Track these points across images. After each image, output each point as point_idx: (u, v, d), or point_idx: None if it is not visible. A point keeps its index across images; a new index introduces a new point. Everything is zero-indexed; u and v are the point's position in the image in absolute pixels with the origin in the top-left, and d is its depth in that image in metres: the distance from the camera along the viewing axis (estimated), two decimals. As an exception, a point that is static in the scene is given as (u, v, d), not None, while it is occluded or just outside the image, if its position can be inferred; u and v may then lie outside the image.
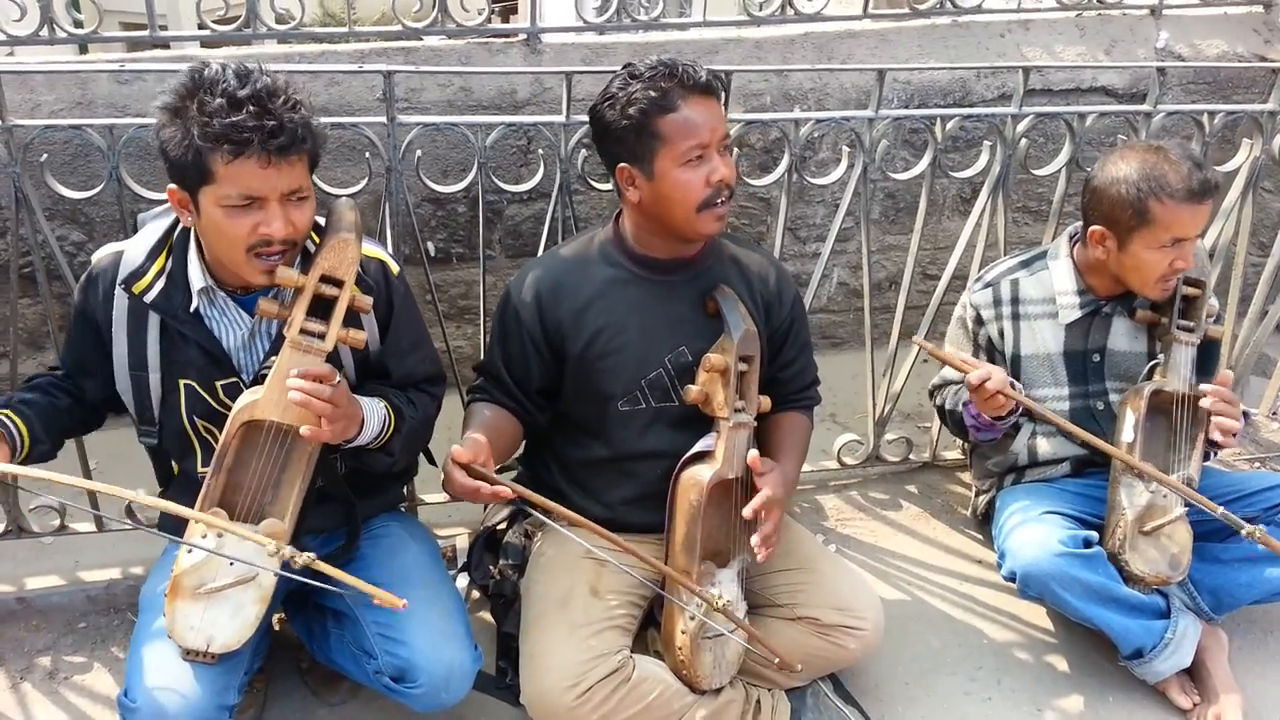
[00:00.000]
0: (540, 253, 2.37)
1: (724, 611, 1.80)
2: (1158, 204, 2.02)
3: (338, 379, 1.62)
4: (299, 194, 1.60)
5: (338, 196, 2.22)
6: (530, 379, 1.99)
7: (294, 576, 1.48)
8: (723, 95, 1.88)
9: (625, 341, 1.94)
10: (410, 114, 2.48)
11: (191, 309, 1.71)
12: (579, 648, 1.82)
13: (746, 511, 1.84)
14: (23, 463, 1.70)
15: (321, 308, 1.65)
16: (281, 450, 1.68)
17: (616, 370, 1.95)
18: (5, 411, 1.70)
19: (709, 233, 1.87)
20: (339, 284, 1.65)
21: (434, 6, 2.67)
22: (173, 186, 1.61)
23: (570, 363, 1.96)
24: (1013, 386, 2.02)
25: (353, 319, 1.73)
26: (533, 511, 1.76)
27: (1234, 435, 2.09)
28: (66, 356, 1.86)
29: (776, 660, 1.86)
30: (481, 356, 2.30)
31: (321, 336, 1.63)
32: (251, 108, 1.51)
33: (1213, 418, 2.07)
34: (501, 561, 2.12)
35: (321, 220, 1.74)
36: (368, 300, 1.70)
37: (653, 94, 1.79)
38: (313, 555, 1.44)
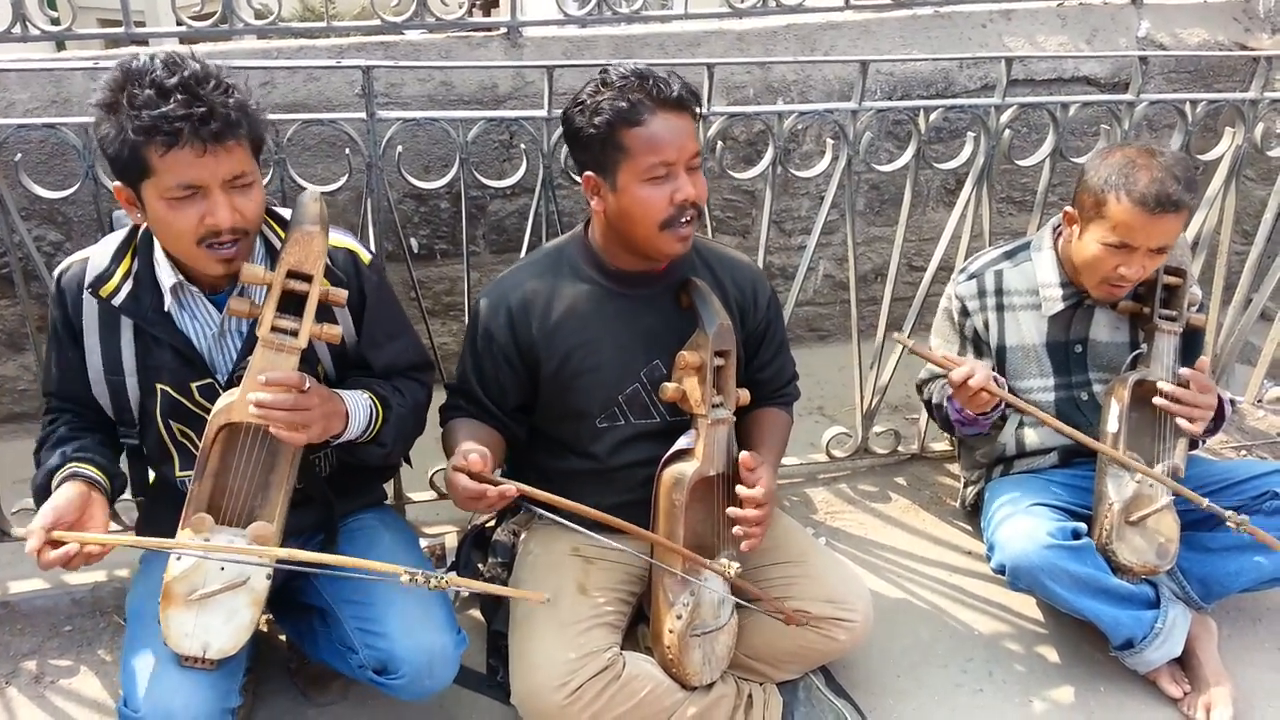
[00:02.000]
0: (525, 248, 2.36)
1: (737, 581, 1.79)
2: (1115, 200, 2.02)
3: (308, 383, 1.59)
4: (241, 180, 1.55)
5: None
6: (506, 397, 1.96)
7: (288, 568, 1.47)
8: (696, 110, 1.80)
9: (600, 360, 1.91)
10: (390, 109, 2.46)
11: (166, 308, 1.68)
12: (568, 646, 1.80)
13: (736, 512, 1.83)
14: (112, 500, 1.70)
15: (293, 304, 1.61)
16: (265, 451, 1.66)
17: (592, 389, 1.93)
18: (76, 465, 1.66)
19: (671, 253, 1.82)
20: (308, 278, 1.61)
21: (414, 0, 2.65)
22: (118, 184, 1.58)
23: (544, 381, 1.94)
24: (996, 382, 2.01)
25: (326, 313, 1.70)
26: (532, 508, 1.74)
27: (1209, 433, 2.11)
28: (60, 384, 1.78)
29: (784, 616, 1.85)
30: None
31: (294, 334, 1.60)
32: (180, 96, 1.47)
33: (1174, 417, 2.08)
34: (490, 560, 2.11)
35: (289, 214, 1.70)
36: (342, 294, 1.66)
37: (621, 105, 1.73)
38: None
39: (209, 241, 1.55)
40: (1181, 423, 2.08)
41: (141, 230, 1.69)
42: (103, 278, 1.67)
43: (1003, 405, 2.04)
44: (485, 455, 1.65)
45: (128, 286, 1.67)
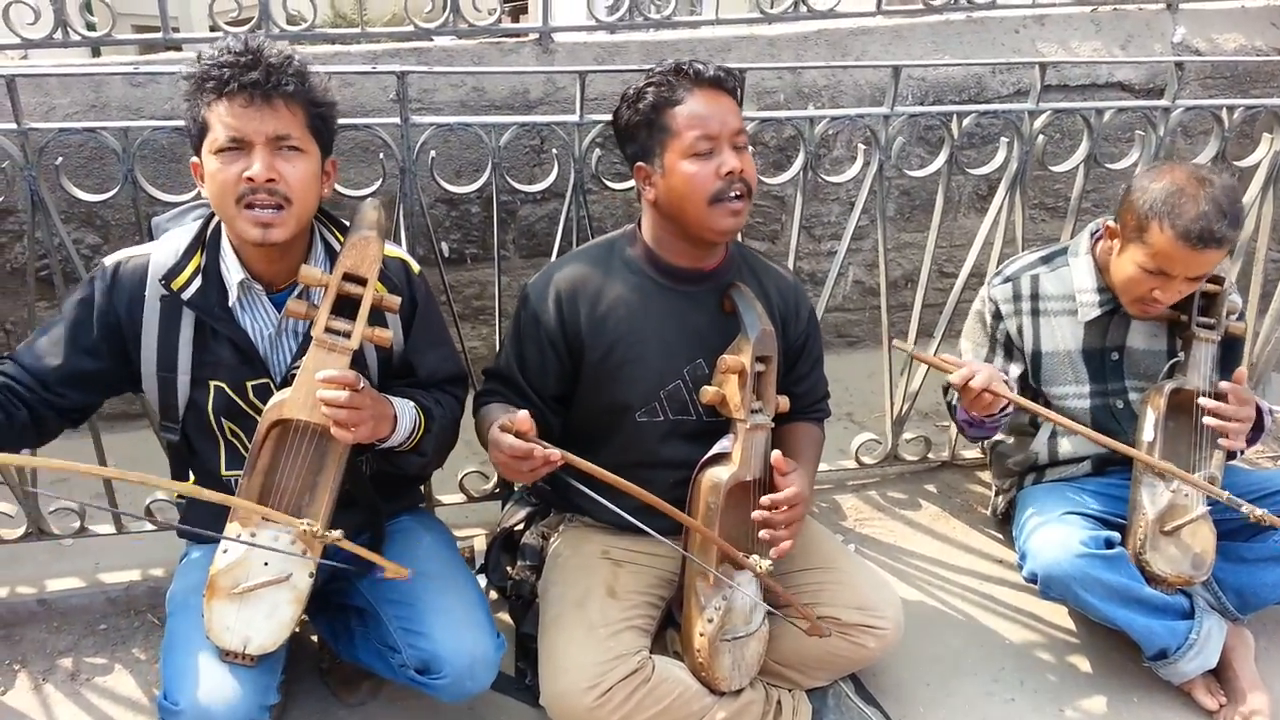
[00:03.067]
0: (555, 253, 2.37)
1: (768, 578, 1.79)
2: (1156, 227, 1.99)
3: (363, 383, 1.61)
4: (287, 142, 1.60)
5: (357, 199, 2.23)
6: (548, 384, 1.97)
7: (329, 564, 1.52)
8: (737, 91, 1.87)
9: (644, 352, 1.92)
10: (423, 114, 2.47)
11: (230, 304, 1.71)
12: (597, 649, 1.81)
13: (767, 500, 1.82)
14: None
15: (348, 307, 1.65)
16: (313, 451, 1.68)
17: (635, 381, 1.93)
18: None
19: (724, 228, 1.83)
20: (362, 282, 1.65)
21: (445, 7, 2.67)
22: (194, 159, 1.65)
23: (587, 370, 1.95)
24: (1008, 384, 2.00)
25: (379, 318, 1.73)
26: (573, 481, 1.73)
27: (1250, 443, 2.08)
28: (43, 353, 1.72)
29: (808, 625, 1.85)
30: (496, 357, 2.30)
31: (347, 335, 1.63)
32: (238, 53, 1.57)
33: (1213, 429, 2.06)
34: (519, 563, 2.11)
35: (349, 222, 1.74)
36: (396, 300, 1.69)
37: (661, 88, 1.81)
38: (340, 533, 1.50)
39: (247, 200, 1.59)
40: (1220, 439, 2.06)
41: (210, 228, 1.73)
42: (174, 271, 1.70)
43: (1008, 407, 2.01)
44: (529, 419, 1.64)
45: (197, 282, 1.71)
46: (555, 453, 1.62)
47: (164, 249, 1.73)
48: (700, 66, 1.81)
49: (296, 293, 1.70)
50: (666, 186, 1.83)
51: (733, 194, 1.80)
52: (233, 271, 1.70)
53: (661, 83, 1.82)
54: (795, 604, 1.87)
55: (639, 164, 1.87)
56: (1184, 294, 2.07)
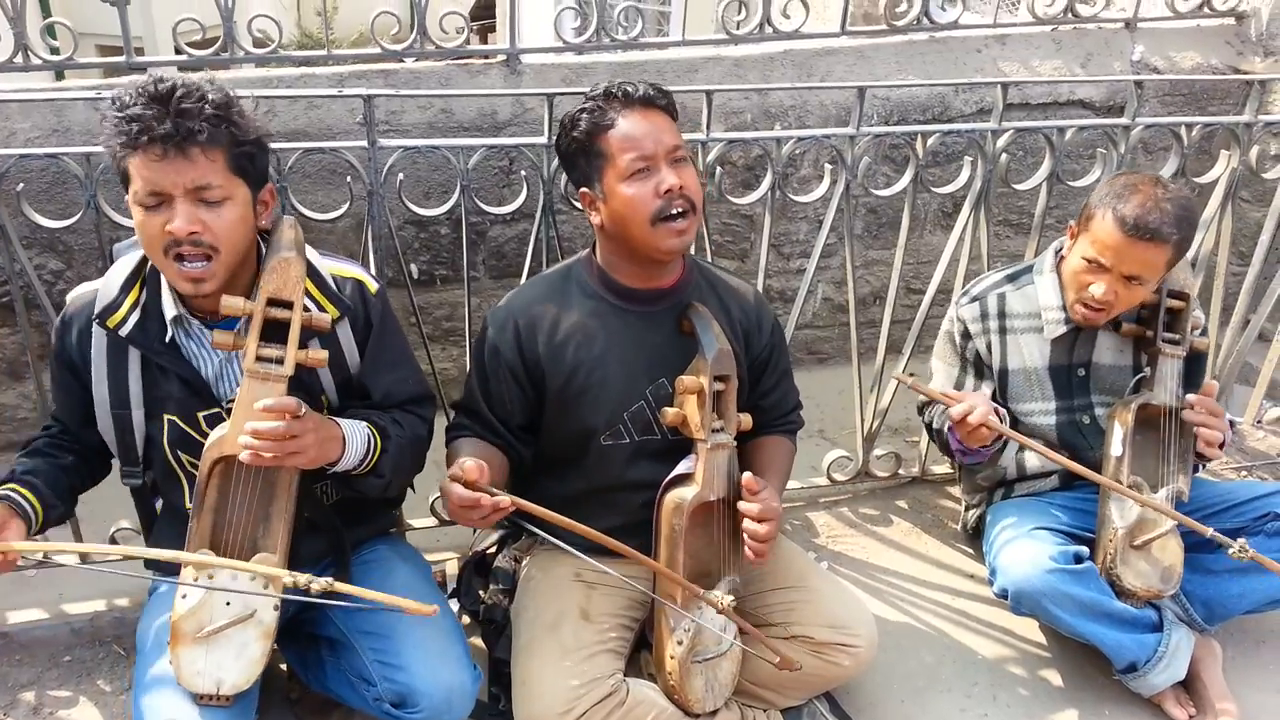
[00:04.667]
0: (525, 274, 2.36)
1: (726, 611, 1.79)
2: (1101, 217, 2.03)
3: (304, 409, 1.58)
4: (207, 192, 1.54)
5: (326, 222, 2.21)
6: (513, 414, 1.96)
7: (298, 599, 1.47)
8: (671, 108, 1.85)
9: (604, 376, 1.92)
10: (391, 136, 2.47)
11: (167, 339, 1.69)
12: (571, 672, 1.80)
13: (747, 506, 1.82)
14: (40, 529, 1.70)
15: (279, 332, 1.61)
16: (262, 482, 1.65)
17: (597, 405, 1.93)
18: (12, 486, 1.68)
19: (668, 247, 1.81)
20: (288, 305, 1.61)
21: (413, 27, 2.66)
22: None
23: (550, 397, 1.94)
24: (998, 414, 2.01)
25: (316, 337, 1.69)
26: (527, 526, 1.73)
27: (1220, 446, 2.10)
28: (58, 408, 1.83)
29: (778, 660, 1.84)
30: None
31: (280, 361, 1.60)
32: (149, 102, 1.50)
33: (1197, 430, 2.08)
34: (491, 586, 2.10)
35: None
36: (326, 318, 1.66)
37: (593, 114, 1.80)
38: (329, 580, 1.44)
39: (174, 252, 1.55)
40: (1201, 446, 2.09)
41: (151, 262, 1.70)
42: (110, 308, 1.67)
43: (1002, 435, 2.03)
44: (482, 466, 1.64)
45: (135, 316, 1.68)
46: (505, 499, 1.62)
47: (109, 282, 1.70)
48: (630, 88, 1.80)
49: (235, 327, 1.64)
50: (609, 210, 1.83)
51: (674, 211, 1.79)
52: (168, 308, 1.68)
53: (593, 108, 1.81)
54: (763, 640, 1.87)
55: (583, 189, 1.87)
56: (1120, 300, 2.07)
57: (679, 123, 1.87)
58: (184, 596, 1.59)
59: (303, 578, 1.43)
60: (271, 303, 1.60)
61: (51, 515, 1.73)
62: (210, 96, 1.54)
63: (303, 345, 1.62)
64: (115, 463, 1.84)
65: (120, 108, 1.51)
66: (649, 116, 1.80)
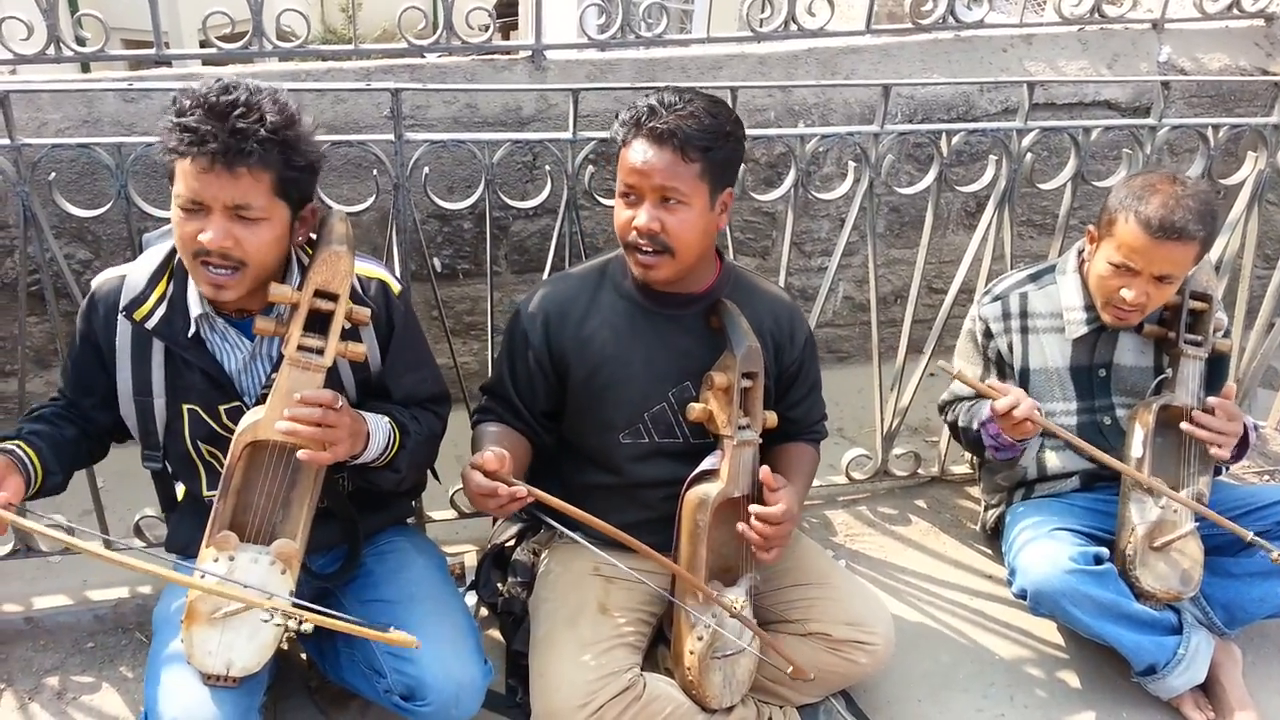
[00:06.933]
0: (548, 269, 2.38)
1: (740, 616, 1.79)
2: (1124, 220, 2.03)
3: (340, 402, 1.60)
4: (245, 211, 1.55)
5: (350, 215, 2.23)
6: (537, 400, 1.97)
7: (306, 605, 1.49)
8: (684, 148, 1.74)
9: (628, 375, 1.92)
10: (416, 131, 2.48)
11: (191, 334, 1.70)
12: (588, 666, 1.81)
13: (744, 528, 1.83)
14: (36, 494, 1.70)
15: (319, 323, 1.63)
16: (288, 469, 1.67)
17: (619, 403, 1.94)
18: (16, 442, 1.69)
19: (637, 274, 1.85)
20: (334, 298, 1.63)
21: (438, 24, 2.67)
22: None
23: (572, 389, 1.95)
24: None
25: (351, 332, 1.71)
26: (544, 518, 1.74)
27: (1241, 450, 2.10)
28: (70, 382, 1.82)
29: (790, 669, 1.84)
30: (488, 373, 2.30)
31: (320, 352, 1.62)
32: (205, 113, 1.50)
33: (1195, 437, 2.07)
34: (510, 579, 2.11)
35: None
36: (365, 312, 1.68)
37: (623, 125, 1.81)
38: (311, 628, 1.46)
39: (203, 259, 1.57)
40: (1213, 450, 2.07)
41: (179, 255, 1.71)
42: (138, 301, 1.69)
43: (1038, 431, 2.03)
44: (502, 456, 1.66)
45: (161, 310, 1.69)
46: (522, 489, 1.64)
47: (138, 271, 1.72)
48: (649, 114, 1.76)
49: (272, 312, 1.66)
50: None
51: (640, 247, 1.80)
52: (193, 305, 1.69)
53: (625, 120, 1.80)
54: (777, 648, 1.88)
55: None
56: (1151, 299, 2.07)
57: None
58: (201, 577, 1.61)
59: (292, 622, 1.47)
60: (318, 294, 1.62)
61: (49, 482, 1.71)
62: (269, 118, 1.53)
63: (342, 339, 1.64)
64: (139, 452, 1.86)
65: (179, 112, 1.52)
66: (651, 149, 1.76)
